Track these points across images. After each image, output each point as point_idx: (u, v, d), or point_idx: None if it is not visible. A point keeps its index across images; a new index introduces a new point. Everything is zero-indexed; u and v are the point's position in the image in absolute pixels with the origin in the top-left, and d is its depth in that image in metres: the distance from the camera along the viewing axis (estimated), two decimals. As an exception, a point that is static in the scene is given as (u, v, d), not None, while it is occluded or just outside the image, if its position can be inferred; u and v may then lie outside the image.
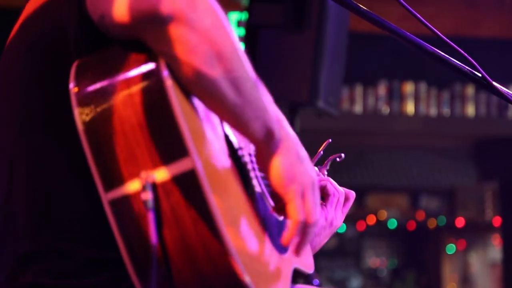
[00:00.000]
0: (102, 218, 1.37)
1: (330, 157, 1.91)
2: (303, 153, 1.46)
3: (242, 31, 5.51)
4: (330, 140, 1.88)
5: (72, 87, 1.34)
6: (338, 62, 4.33)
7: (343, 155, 1.89)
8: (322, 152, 1.89)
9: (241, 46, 1.37)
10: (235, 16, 5.71)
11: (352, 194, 1.81)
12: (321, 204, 1.82)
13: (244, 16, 5.19)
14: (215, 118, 1.45)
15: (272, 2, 4.17)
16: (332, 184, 1.85)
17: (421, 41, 1.79)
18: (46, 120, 1.45)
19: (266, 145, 1.42)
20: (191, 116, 1.33)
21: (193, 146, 1.28)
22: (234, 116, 1.37)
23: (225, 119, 1.41)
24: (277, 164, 1.43)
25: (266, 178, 1.52)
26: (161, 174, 1.28)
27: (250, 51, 4.23)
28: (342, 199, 1.80)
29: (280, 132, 1.42)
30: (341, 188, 1.84)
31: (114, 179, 1.30)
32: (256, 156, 1.45)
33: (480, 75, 1.78)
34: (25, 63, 1.49)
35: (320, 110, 4.19)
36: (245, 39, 4.44)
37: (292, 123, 4.10)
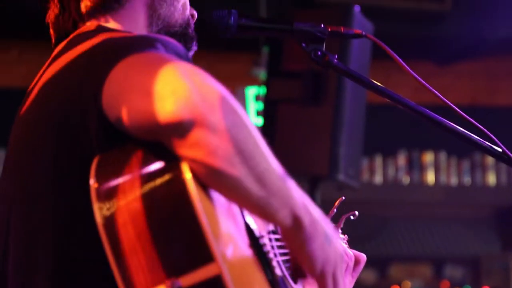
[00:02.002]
0: None
1: (343, 216, 1.91)
2: (330, 230, 1.46)
3: (260, 105, 5.56)
4: (343, 197, 1.87)
5: (92, 182, 1.34)
6: (357, 134, 4.35)
7: (356, 212, 1.87)
8: (336, 210, 1.89)
9: (262, 139, 1.37)
10: (253, 90, 5.76)
11: (363, 257, 1.78)
12: None
13: (262, 90, 5.24)
14: (235, 208, 1.45)
15: (290, 77, 4.20)
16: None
17: (439, 117, 1.79)
18: (72, 215, 1.45)
19: (294, 232, 1.41)
20: (212, 214, 1.32)
21: (218, 250, 1.27)
22: (260, 208, 1.37)
23: (251, 212, 1.41)
24: (308, 250, 1.42)
25: (292, 262, 1.52)
26: (187, 281, 1.27)
27: (269, 125, 4.26)
28: (351, 264, 1.77)
29: (307, 217, 1.41)
30: (350, 251, 1.81)
31: (138, 286, 1.28)
32: (285, 241, 1.44)
33: (500, 149, 1.78)
34: (48, 157, 1.48)
35: (341, 183, 4.19)
36: (264, 114, 4.47)
37: (312, 197, 4.09)
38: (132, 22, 1.65)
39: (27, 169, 1.52)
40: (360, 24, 4.22)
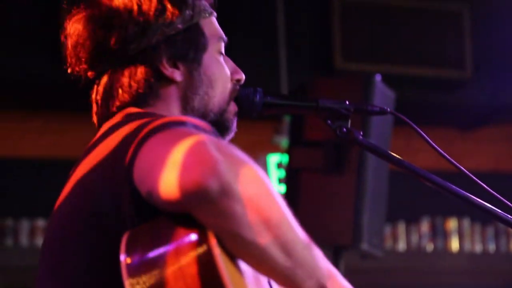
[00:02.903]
0: None
1: None
2: None
3: (282, 173, 5.56)
4: None
5: (123, 258, 1.36)
6: (380, 202, 4.33)
7: None
8: None
9: (288, 210, 1.39)
10: (275, 158, 5.77)
11: None
12: None
13: (284, 158, 5.24)
14: (263, 279, 1.46)
15: (311, 145, 4.21)
16: None
17: (462, 191, 1.78)
18: None
19: None
20: (240, 284, 1.34)
21: None
22: (286, 278, 1.39)
23: (277, 282, 1.42)
24: None
25: None
26: None
27: (291, 193, 4.25)
28: None
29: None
30: None
31: None
32: None
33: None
34: (81, 240, 1.51)
35: (364, 252, 4.17)
36: (286, 182, 4.47)
37: (336, 266, 4.06)
38: (166, 114, 1.65)
39: (61, 260, 1.54)
40: (382, 92, 4.23)
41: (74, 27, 1.70)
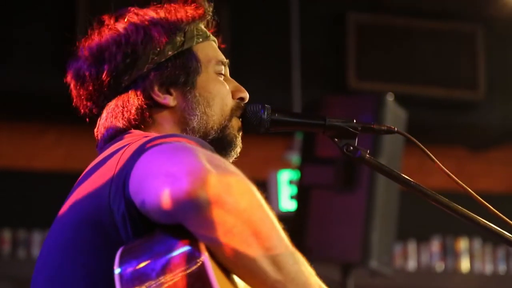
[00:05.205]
0: None
1: None
2: None
3: (294, 190, 5.58)
4: None
5: (117, 271, 1.38)
6: (390, 220, 4.34)
7: None
8: None
9: (278, 224, 1.41)
10: (286, 174, 5.79)
11: None
12: None
13: (295, 175, 5.27)
14: None
15: (322, 163, 4.23)
16: None
17: (471, 214, 1.78)
18: None
19: None
20: None
21: None
22: None
23: None
24: None
25: None
26: None
27: (302, 210, 4.27)
28: None
29: None
30: None
31: None
32: None
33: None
34: (79, 250, 1.53)
35: (373, 270, 4.18)
36: (297, 198, 4.50)
37: (345, 284, 4.08)
38: None
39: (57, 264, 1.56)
40: (393, 112, 4.26)
41: (72, 70, 1.76)
